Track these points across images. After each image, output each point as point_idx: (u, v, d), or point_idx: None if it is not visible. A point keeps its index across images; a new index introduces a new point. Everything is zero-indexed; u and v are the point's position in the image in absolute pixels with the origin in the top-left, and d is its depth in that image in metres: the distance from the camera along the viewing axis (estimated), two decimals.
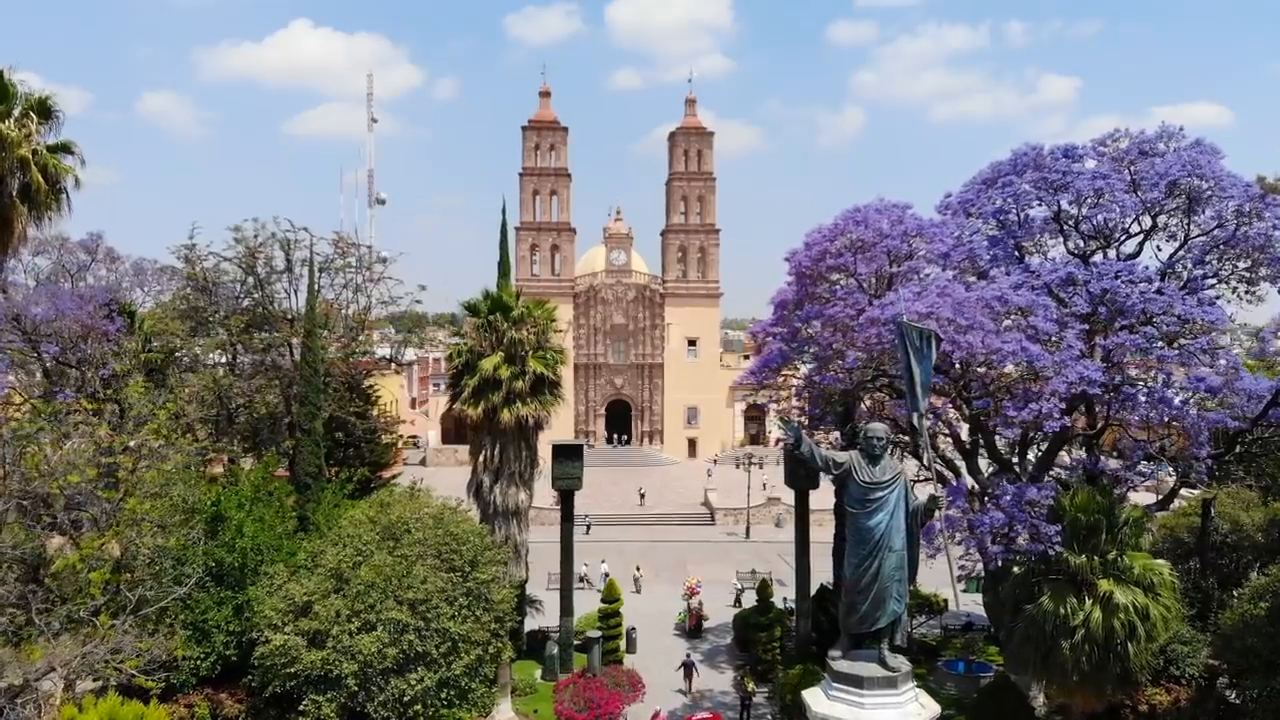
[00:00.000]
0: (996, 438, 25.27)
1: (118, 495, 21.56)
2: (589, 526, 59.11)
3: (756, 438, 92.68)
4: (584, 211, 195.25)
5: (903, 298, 20.74)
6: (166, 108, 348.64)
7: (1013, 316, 22.26)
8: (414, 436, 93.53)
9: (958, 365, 21.67)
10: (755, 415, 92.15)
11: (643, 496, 67.53)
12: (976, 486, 28.22)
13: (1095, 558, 23.92)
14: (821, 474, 32.46)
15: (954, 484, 23.46)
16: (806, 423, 29.46)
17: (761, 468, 60.50)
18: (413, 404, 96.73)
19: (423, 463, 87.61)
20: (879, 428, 13.23)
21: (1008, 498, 23.20)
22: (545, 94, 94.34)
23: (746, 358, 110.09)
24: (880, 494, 12.96)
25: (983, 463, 28.84)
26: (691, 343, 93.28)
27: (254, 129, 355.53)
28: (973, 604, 42.17)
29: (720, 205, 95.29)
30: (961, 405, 22.28)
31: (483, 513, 26.98)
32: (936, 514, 13.51)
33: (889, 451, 13.25)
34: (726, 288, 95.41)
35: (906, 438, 30.44)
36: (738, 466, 60.34)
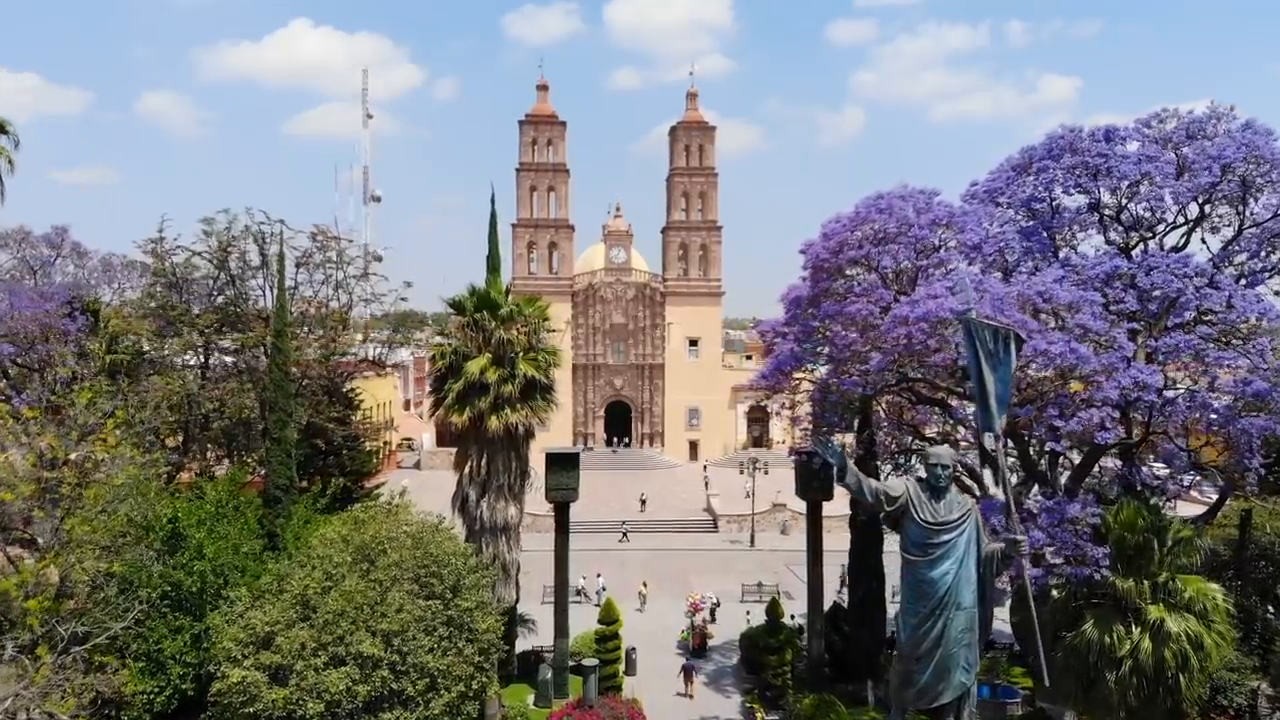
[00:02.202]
0: (1030, 448, 23.01)
1: (58, 514, 19.35)
2: (625, 533, 56.96)
3: (759, 440, 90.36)
4: (583, 212, 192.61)
5: (935, 293, 18.48)
6: (166, 107, 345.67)
7: (1057, 314, 19.97)
8: (408, 439, 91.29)
9: None
10: (758, 417, 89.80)
11: (644, 503, 65.05)
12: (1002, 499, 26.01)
13: (1144, 581, 21.72)
14: (833, 484, 30.76)
15: (992, 502, 21.13)
16: (812, 430, 27.09)
17: (767, 472, 58.10)
18: (407, 406, 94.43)
19: (417, 465, 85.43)
20: (945, 453, 10.35)
21: (1044, 515, 20.97)
22: (543, 88, 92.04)
23: (749, 358, 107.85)
24: (947, 537, 10.09)
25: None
26: (693, 342, 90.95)
27: (254, 129, 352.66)
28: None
29: (720, 203, 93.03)
30: None
31: (469, 529, 24.73)
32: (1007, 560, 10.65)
33: (954, 482, 10.39)
34: (726, 288, 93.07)
35: (927, 445, 28.22)
36: (741, 471, 57.98)
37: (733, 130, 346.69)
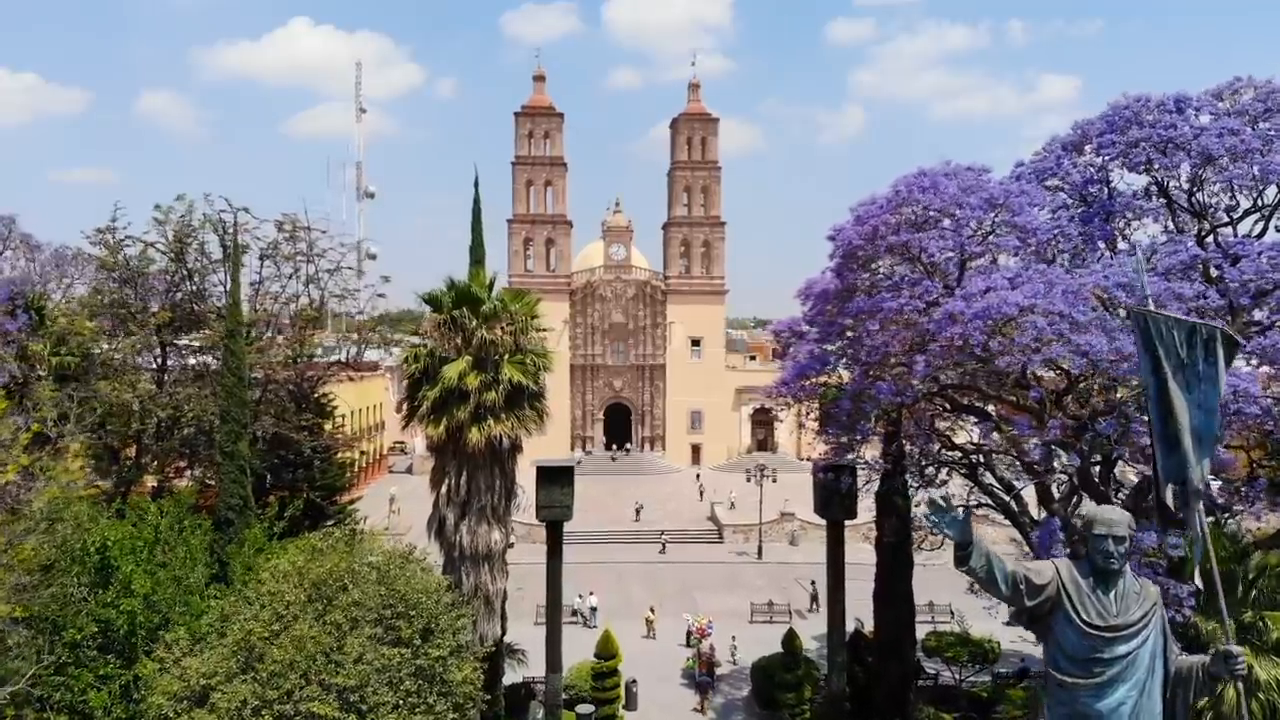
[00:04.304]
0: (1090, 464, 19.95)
1: None
2: (664, 545, 54.02)
3: (764, 444, 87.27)
4: (581, 212, 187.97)
5: (994, 284, 15.49)
6: (165, 107, 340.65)
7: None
8: (400, 442, 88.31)
9: (1063, 375, 16.44)
10: (763, 420, 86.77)
11: (638, 512, 61.70)
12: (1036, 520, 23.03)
13: (1229, 621, 18.78)
14: (856, 502, 27.68)
15: (1050, 525, 18.12)
16: (834, 446, 23.85)
17: (775, 480, 55.04)
18: (398, 408, 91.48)
19: (409, 470, 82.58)
20: (1118, 519, 6.61)
21: None
22: (539, 78, 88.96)
23: (752, 358, 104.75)
24: (1123, 649, 6.29)
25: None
26: (695, 342, 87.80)
27: (254, 128, 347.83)
28: (1019, 639, 37.08)
29: (722, 199, 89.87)
30: (1067, 428, 16.85)
31: (447, 556, 21.71)
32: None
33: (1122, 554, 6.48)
34: (727, 287, 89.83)
35: (958, 454, 25.22)
36: (749, 479, 54.91)
37: (732, 129, 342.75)
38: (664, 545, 54.10)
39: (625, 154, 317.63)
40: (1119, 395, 17.19)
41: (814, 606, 41.56)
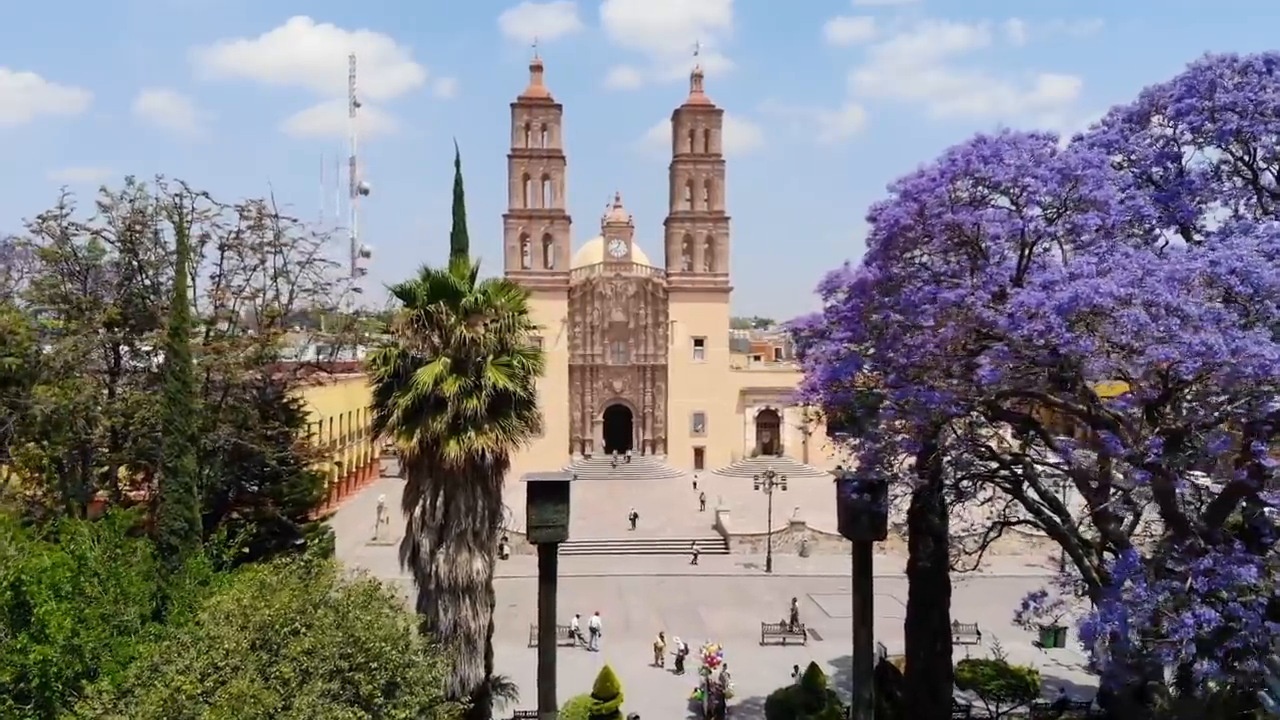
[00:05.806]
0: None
1: None
2: (696, 556, 51.24)
3: (769, 447, 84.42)
4: (580, 211, 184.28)
5: (1079, 270, 12.68)
6: (165, 107, 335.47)
7: (1234, 297, 14.07)
8: (392, 445, 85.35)
9: (1164, 380, 13.57)
10: (769, 422, 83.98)
11: (634, 519, 58.47)
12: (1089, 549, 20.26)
13: None
14: (886, 522, 24.86)
15: (1129, 557, 15.27)
16: (866, 459, 20.89)
17: (785, 487, 52.04)
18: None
19: (402, 474, 79.69)
20: None
21: (1199, 579, 15.08)
22: (537, 68, 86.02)
23: (756, 358, 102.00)
24: None
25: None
26: (698, 342, 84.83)
27: (252, 127, 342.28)
28: (1052, 663, 34.35)
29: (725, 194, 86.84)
30: (1160, 444, 13.89)
31: (421, 589, 18.90)
32: None
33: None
34: (730, 285, 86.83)
35: (995, 464, 22.42)
36: (757, 486, 51.93)
37: (732, 129, 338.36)
38: (695, 556, 51.25)
39: (624, 154, 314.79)
40: (1216, 402, 14.35)
41: (794, 628, 38.21)
